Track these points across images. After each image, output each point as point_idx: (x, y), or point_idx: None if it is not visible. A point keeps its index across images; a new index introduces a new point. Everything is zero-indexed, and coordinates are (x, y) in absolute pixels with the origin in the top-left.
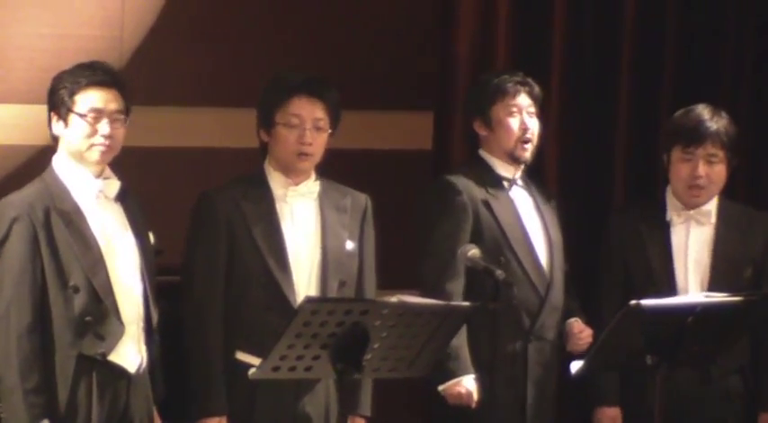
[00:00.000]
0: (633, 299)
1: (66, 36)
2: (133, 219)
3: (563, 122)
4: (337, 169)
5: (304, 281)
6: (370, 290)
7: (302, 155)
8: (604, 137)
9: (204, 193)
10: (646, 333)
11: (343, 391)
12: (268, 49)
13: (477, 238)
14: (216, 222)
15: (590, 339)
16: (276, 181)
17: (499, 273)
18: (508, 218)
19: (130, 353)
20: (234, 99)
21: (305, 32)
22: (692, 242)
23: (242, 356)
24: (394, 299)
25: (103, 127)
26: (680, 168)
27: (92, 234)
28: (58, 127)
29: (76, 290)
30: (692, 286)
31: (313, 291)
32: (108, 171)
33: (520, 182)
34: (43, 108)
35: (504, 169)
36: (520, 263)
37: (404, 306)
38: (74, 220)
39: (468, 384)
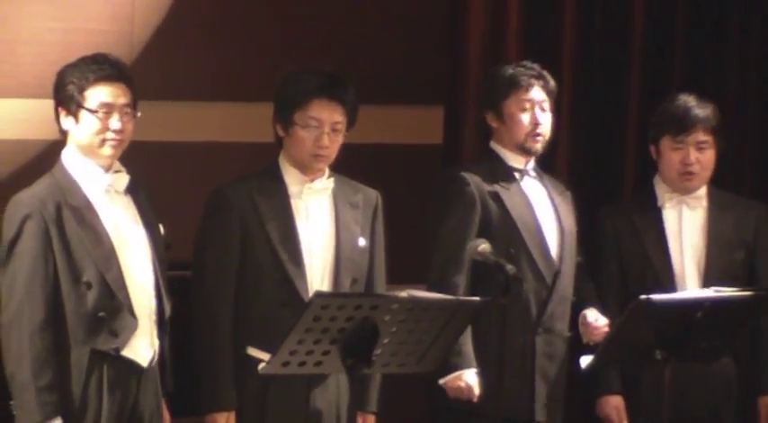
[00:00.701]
0: (632, 288)
1: (75, 30)
2: (143, 211)
3: (573, 117)
4: (348, 164)
5: (318, 277)
6: (380, 288)
7: (318, 156)
8: (615, 132)
9: (218, 188)
10: (655, 328)
11: (353, 387)
12: (277, 44)
13: (485, 230)
14: (229, 217)
15: (606, 329)
16: (291, 177)
17: (510, 267)
18: (519, 208)
19: (143, 347)
20: (243, 93)
21: (315, 28)
22: (686, 226)
23: (253, 352)
24: (404, 294)
25: (114, 122)
26: (671, 157)
27: (103, 228)
28: (67, 122)
29: (89, 286)
30: (689, 270)
31: (326, 287)
32: (117, 164)
33: (532, 173)
34: (52, 103)
35: (515, 161)
36: (528, 252)
37: (413, 301)
38: (85, 215)
39: (468, 379)
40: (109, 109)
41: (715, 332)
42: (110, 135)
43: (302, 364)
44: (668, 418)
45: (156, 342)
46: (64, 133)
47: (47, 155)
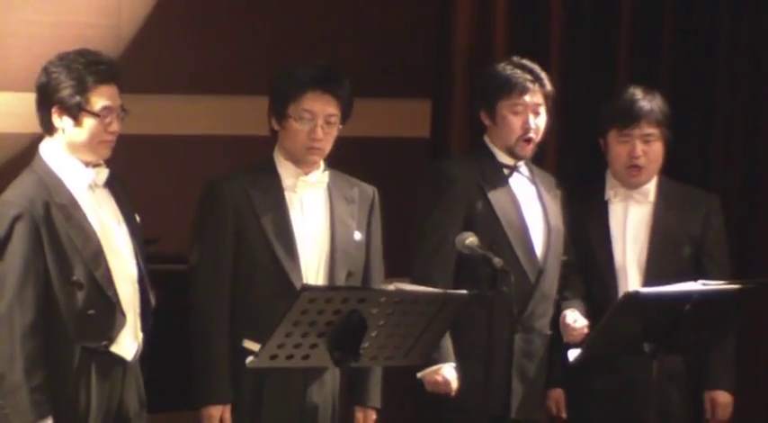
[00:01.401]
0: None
1: (63, 23)
2: (121, 203)
3: (561, 108)
4: (335, 157)
5: (312, 271)
6: (378, 282)
7: (312, 149)
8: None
9: (212, 181)
10: (643, 321)
11: (347, 382)
12: (265, 38)
13: (469, 225)
14: (223, 210)
15: (585, 331)
16: (285, 170)
17: (497, 261)
18: (505, 205)
19: (128, 341)
20: (231, 87)
21: (302, 20)
22: (631, 221)
23: (249, 345)
24: (391, 287)
25: (114, 124)
26: (618, 150)
27: (90, 226)
28: (63, 123)
29: (80, 286)
30: (630, 264)
31: (321, 281)
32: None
33: (523, 170)
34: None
35: (505, 158)
36: (512, 249)
37: (401, 294)
38: (72, 213)
39: (446, 373)
40: (109, 111)
41: (703, 325)
42: (107, 137)
43: (290, 357)
44: (654, 411)
45: (140, 335)
46: (50, 130)
47: (33, 149)
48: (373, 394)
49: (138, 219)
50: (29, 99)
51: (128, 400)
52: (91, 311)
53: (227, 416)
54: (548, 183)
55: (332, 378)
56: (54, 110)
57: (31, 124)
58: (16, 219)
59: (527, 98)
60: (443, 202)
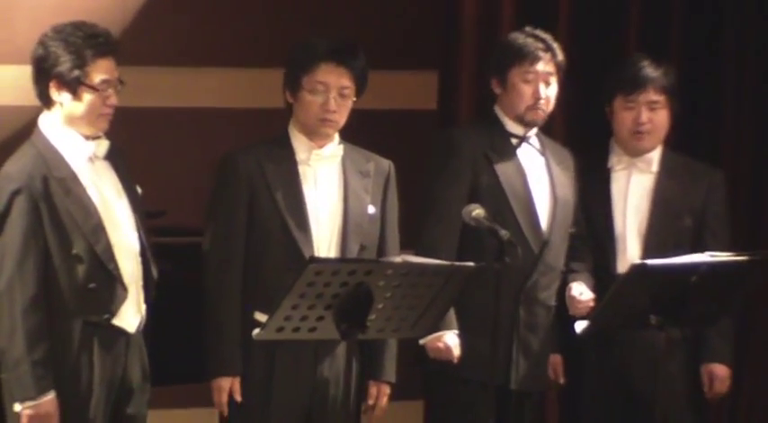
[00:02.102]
0: None
1: None
2: (122, 175)
3: (569, 79)
4: (342, 129)
5: (325, 243)
6: (392, 256)
7: (325, 120)
8: None
9: (227, 153)
10: (650, 293)
11: (354, 356)
12: (270, 10)
13: (475, 194)
14: (238, 182)
15: (591, 304)
16: (300, 143)
17: (504, 233)
18: (511, 175)
19: (131, 314)
20: (237, 59)
21: None
22: (633, 189)
23: (260, 317)
24: (398, 259)
25: (112, 97)
26: (623, 117)
27: (90, 199)
28: (62, 97)
29: (80, 259)
30: (630, 233)
31: (333, 254)
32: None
33: (533, 141)
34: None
35: (514, 128)
36: (516, 220)
37: (408, 266)
38: (71, 186)
39: (448, 340)
40: (108, 84)
41: (710, 297)
42: (105, 110)
43: (296, 329)
44: (661, 383)
45: (143, 307)
46: (48, 103)
47: None
48: (388, 369)
49: (139, 191)
50: None
51: (131, 372)
52: (92, 285)
53: (237, 387)
54: (560, 155)
55: (343, 353)
56: (52, 84)
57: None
58: (15, 193)
59: (539, 67)
60: (449, 171)
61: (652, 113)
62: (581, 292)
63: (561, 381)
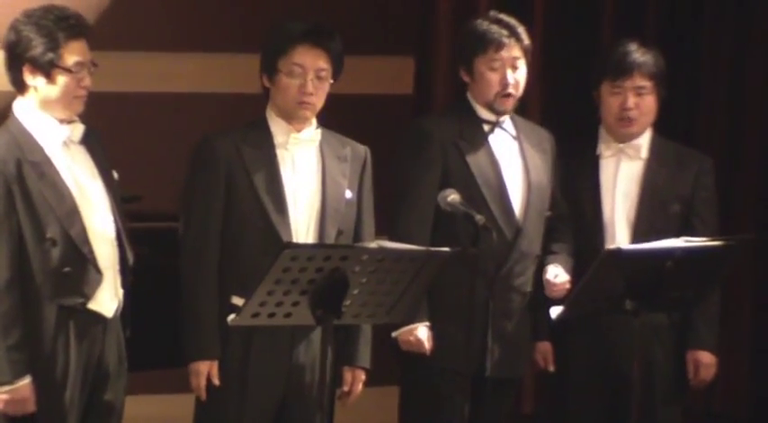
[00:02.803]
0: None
1: None
2: (98, 160)
3: (544, 64)
4: (318, 114)
5: (303, 227)
6: (369, 241)
7: (303, 103)
8: (587, 80)
9: (205, 137)
10: (625, 278)
11: (329, 341)
12: None
13: (446, 182)
14: (215, 166)
15: (567, 286)
16: (278, 127)
17: (479, 218)
18: (481, 162)
19: (107, 299)
20: (216, 44)
21: None
22: (622, 176)
23: (237, 301)
24: (373, 244)
25: (86, 79)
26: (610, 102)
27: (63, 183)
28: (35, 80)
29: (54, 243)
30: (619, 219)
31: (311, 238)
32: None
33: (506, 125)
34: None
35: (486, 114)
36: (488, 207)
37: (383, 251)
38: (45, 170)
39: (420, 333)
40: (81, 67)
41: (685, 282)
42: (80, 92)
43: (272, 315)
44: (639, 369)
45: (121, 292)
46: (22, 89)
47: None
48: (363, 354)
49: (115, 175)
50: None
51: (108, 356)
52: (66, 269)
53: (215, 371)
54: (536, 136)
55: (319, 339)
56: (25, 68)
57: None
58: None
59: (504, 53)
60: (420, 160)
61: (639, 99)
62: (556, 274)
63: (551, 368)
